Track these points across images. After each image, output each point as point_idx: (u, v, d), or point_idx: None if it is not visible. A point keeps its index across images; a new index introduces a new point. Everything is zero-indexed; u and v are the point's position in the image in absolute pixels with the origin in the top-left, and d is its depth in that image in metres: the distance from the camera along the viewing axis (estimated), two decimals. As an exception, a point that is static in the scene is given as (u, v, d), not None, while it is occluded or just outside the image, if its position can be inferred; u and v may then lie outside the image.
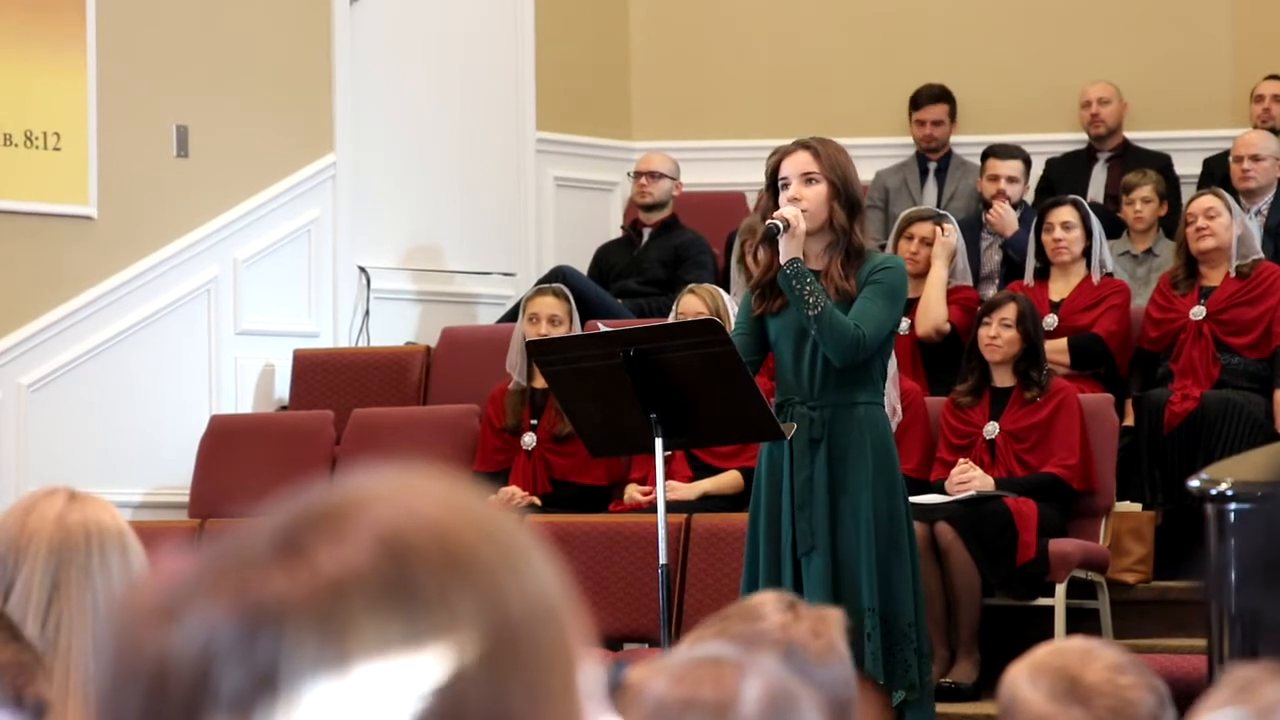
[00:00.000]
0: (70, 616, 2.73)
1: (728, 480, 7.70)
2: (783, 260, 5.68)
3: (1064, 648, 2.58)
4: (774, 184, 5.84)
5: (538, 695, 1.05)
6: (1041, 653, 2.55)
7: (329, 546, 1.03)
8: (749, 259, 7.52)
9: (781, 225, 5.66)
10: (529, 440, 8.08)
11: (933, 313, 8.29)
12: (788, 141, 5.95)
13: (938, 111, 10.07)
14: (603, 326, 7.16)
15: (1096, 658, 2.50)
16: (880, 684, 5.67)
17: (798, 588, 5.69)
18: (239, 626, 1.01)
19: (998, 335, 7.64)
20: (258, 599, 1.02)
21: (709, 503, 7.60)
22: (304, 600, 1.02)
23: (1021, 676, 2.50)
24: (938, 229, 8.43)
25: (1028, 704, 2.46)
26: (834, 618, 2.54)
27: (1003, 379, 7.68)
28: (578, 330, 8.02)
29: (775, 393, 5.91)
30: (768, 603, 2.50)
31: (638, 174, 9.78)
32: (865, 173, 8.84)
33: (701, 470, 7.75)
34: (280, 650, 1.01)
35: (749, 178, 10.20)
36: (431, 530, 1.04)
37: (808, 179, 5.75)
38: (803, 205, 5.72)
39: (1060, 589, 7.25)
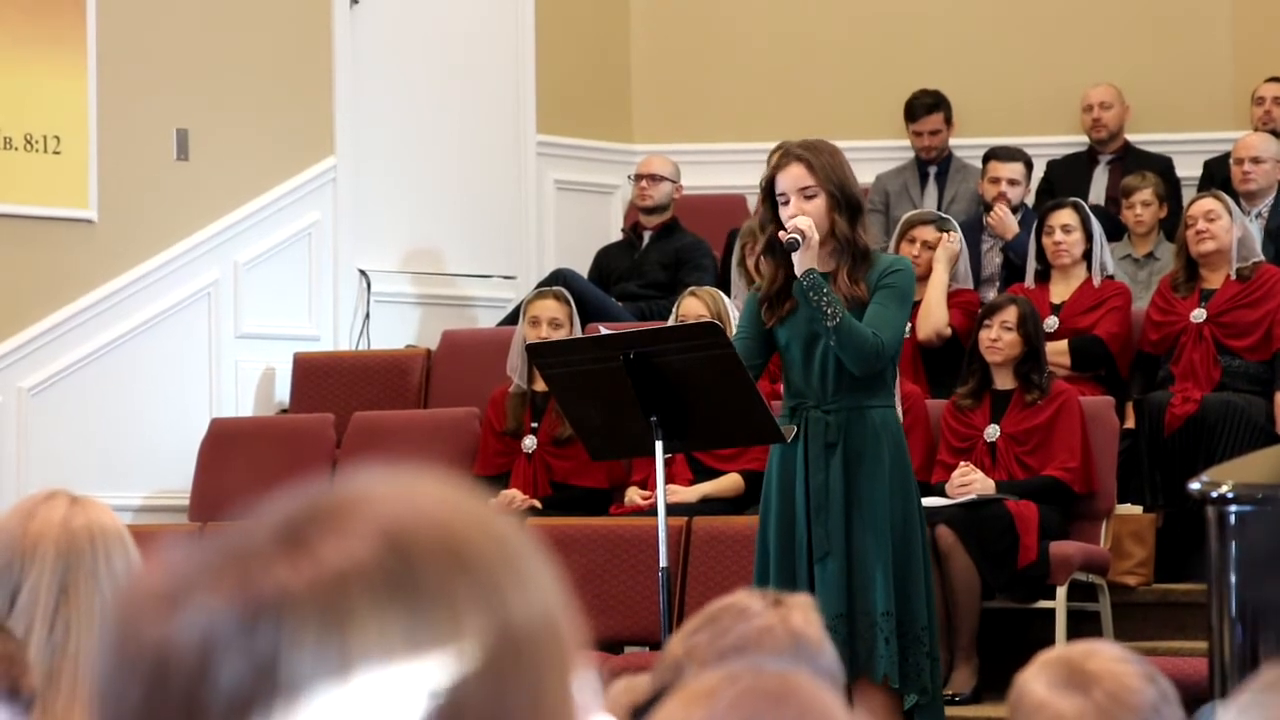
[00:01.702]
0: (79, 620, 2.72)
1: (728, 483, 7.70)
2: (799, 271, 5.65)
3: (1072, 646, 2.60)
4: (770, 193, 5.81)
5: (534, 695, 1.05)
6: (1051, 651, 2.57)
7: (332, 539, 1.03)
8: (751, 269, 7.50)
9: (799, 239, 5.63)
10: (529, 443, 8.08)
11: (933, 317, 8.28)
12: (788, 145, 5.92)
13: (934, 122, 10.06)
14: (604, 329, 7.16)
15: (1100, 652, 2.52)
16: (894, 688, 5.66)
17: (811, 592, 5.69)
18: (240, 616, 1.01)
19: (999, 338, 7.64)
20: (259, 589, 1.02)
21: (709, 505, 7.59)
22: (305, 591, 1.01)
23: (1028, 672, 2.52)
24: (943, 235, 8.43)
25: (1031, 695, 2.48)
26: (810, 603, 2.55)
27: (1003, 381, 7.68)
28: (578, 333, 8.01)
29: (785, 396, 5.90)
30: (751, 601, 2.49)
31: (638, 177, 9.78)
32: (865, 176, 8.84)
33: (701, 473, 7.75)
34: (280, 641, 1.00)
35: (749, 180, 10.18)
36: (435, 527, 1.04)
37: (806, 194, 5.73)
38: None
39: (1061, 592, 7.25)
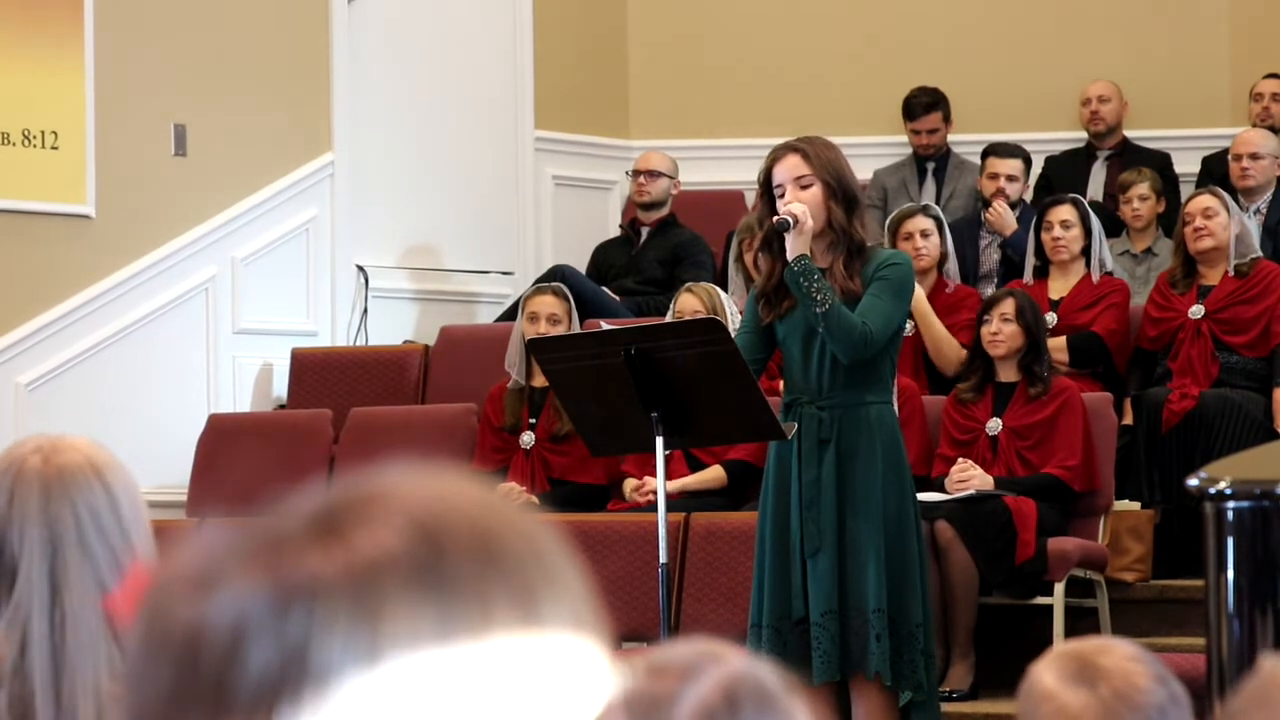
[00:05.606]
0: (75, 615, 2.45)
1: (709, 475, 7.69)
2: (790, 257, 5.65)
3: (1088, 640, 2.59)
4: (768, 189, 5.81)
5: None
6: (1068, 643, 2.58)
7: (365, 528, 1.04)
8: (750, 264, 7.48)
9: (791, 221, 5.63)
10: (527, 439, 8.08)
11: (944, 347, 8.15)
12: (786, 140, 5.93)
13: (932, 121, 10.05)
14: (604, 325, 7.16)
15: (1114, 649, 2.52)
16: (887, 685, 5.66)
17: (804, 588, 5.69)
18: (272, 601, 1.02)
19: (998, 330, 7.63)
20: (292, 575, 1.03)
21: (706, 501, 7.59)
22: (338, 579, 1.02)
23: (1042, 662, 2.52)
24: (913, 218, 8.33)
25: (1039, 685, 2.48)
26: None
27: (1007, 374, 7.67)
28: (576, 329, 8.01)
29: (784, 392, 5.90)
30: None
31: (636, 173, 9.78)
32: (863, 172, 8.83)
33: (698, 468, 7.74)
34: (311, 626, 1.01)
35: (747, 176, 10.15)
36: (468, 521, 1.05)
37: (801, 183, 5.72)
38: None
39: (1059, 588, 7.25)
